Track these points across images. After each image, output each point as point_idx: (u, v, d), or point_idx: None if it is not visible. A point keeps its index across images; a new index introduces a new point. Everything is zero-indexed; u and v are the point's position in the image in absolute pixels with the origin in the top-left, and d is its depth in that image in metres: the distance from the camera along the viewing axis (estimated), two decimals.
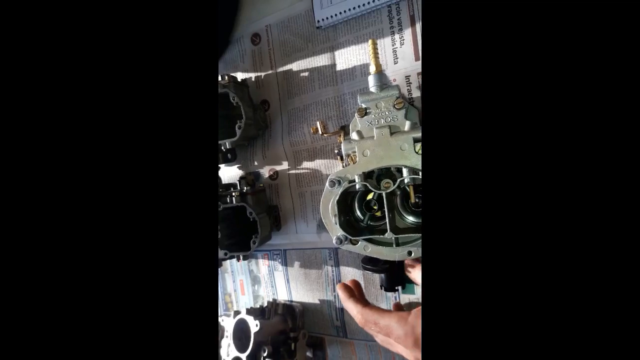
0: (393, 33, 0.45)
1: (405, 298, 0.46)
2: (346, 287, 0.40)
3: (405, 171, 0.33)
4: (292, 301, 0.55)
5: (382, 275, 0.40)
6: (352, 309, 0.38)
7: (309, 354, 0.53)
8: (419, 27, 0.43)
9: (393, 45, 0.45)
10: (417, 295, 0.45)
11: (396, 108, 0.35)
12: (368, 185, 0.34)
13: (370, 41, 0.37)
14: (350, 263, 0.50)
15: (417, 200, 0.35)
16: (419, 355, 0.32)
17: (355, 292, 0.40)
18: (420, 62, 0.43)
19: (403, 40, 0.44)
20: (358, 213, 0.39)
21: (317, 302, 0.53)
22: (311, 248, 0.52)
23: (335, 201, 0.35)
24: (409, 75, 0.44)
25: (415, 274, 0.37)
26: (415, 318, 0.33)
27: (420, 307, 0.33)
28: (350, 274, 0.50)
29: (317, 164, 0.51)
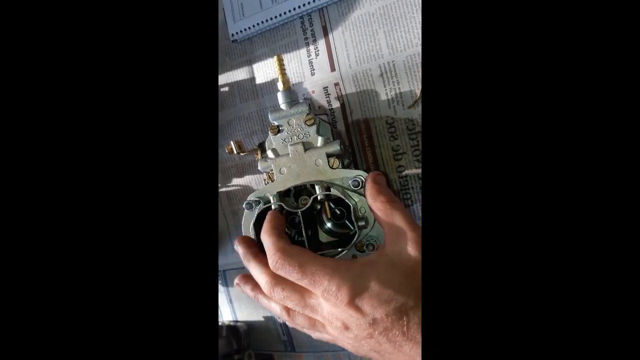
0: (308, 44, 0.44)
1: None
2: (249, 244, 0.34)
3: (317, 188, 0.33)
4: (237, 321, 0.53)
5: None
6: (258, 268, 0.33)
7: None
8: (332, 37, 0.43)
9: (309, 57, 0.44)
10: None
11: (307, 124, 0.35)
12: (284, 205, 0.33)
13: (275, 57, 0.36)
14: None
15: (336, 211, 0.35)
16: (358, 315, 0.25)
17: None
18: (335, 72, 0.43)
19: (318, 51, 0.44)
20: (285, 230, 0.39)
21: (262, 319, 0.52)
22: None
23: (252, 224, 0.34)
24: (327, 87, 0.44)
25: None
26: (359, 267, 0.26)
27: (368, 259, 0.28)
28: None
29: (248, 179, 0.50)
